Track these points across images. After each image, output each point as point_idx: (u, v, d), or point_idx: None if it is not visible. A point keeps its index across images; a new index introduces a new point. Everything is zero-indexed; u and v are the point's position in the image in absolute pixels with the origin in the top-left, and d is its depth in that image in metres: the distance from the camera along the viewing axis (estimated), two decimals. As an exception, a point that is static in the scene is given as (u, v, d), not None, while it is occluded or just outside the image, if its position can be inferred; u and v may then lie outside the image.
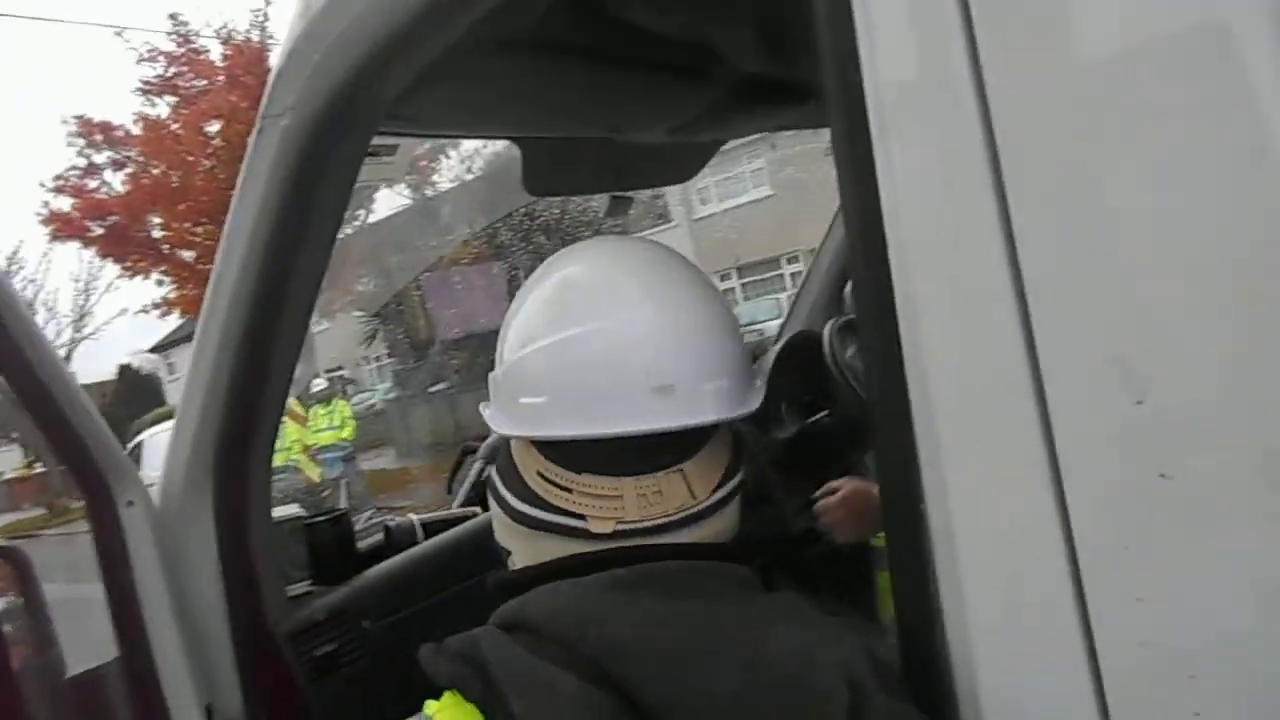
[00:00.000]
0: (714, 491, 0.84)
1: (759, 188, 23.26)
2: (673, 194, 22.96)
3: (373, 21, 1.12)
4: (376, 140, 1.42)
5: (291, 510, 1.76)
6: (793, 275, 23.70)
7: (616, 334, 0.82)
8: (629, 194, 2.33)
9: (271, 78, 1.27)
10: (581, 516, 0.81)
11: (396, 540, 1.88)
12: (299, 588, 1.70)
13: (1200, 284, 0.58)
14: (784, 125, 2.33)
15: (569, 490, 0.82)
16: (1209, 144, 0.56)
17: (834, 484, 2.10)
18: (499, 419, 0.89)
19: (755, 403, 0.88)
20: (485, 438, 2.36)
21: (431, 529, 1.93)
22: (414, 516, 1.93)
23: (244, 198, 1.33)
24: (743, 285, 24.15)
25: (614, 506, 0.81)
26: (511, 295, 0.93)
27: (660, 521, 0.81)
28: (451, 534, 1.92)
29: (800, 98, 1.97)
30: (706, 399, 0.82)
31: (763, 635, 0.73)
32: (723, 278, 24.25)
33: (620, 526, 0.80)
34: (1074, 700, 0.63)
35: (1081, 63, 0.61)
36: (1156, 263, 0.59)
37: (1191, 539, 0.59)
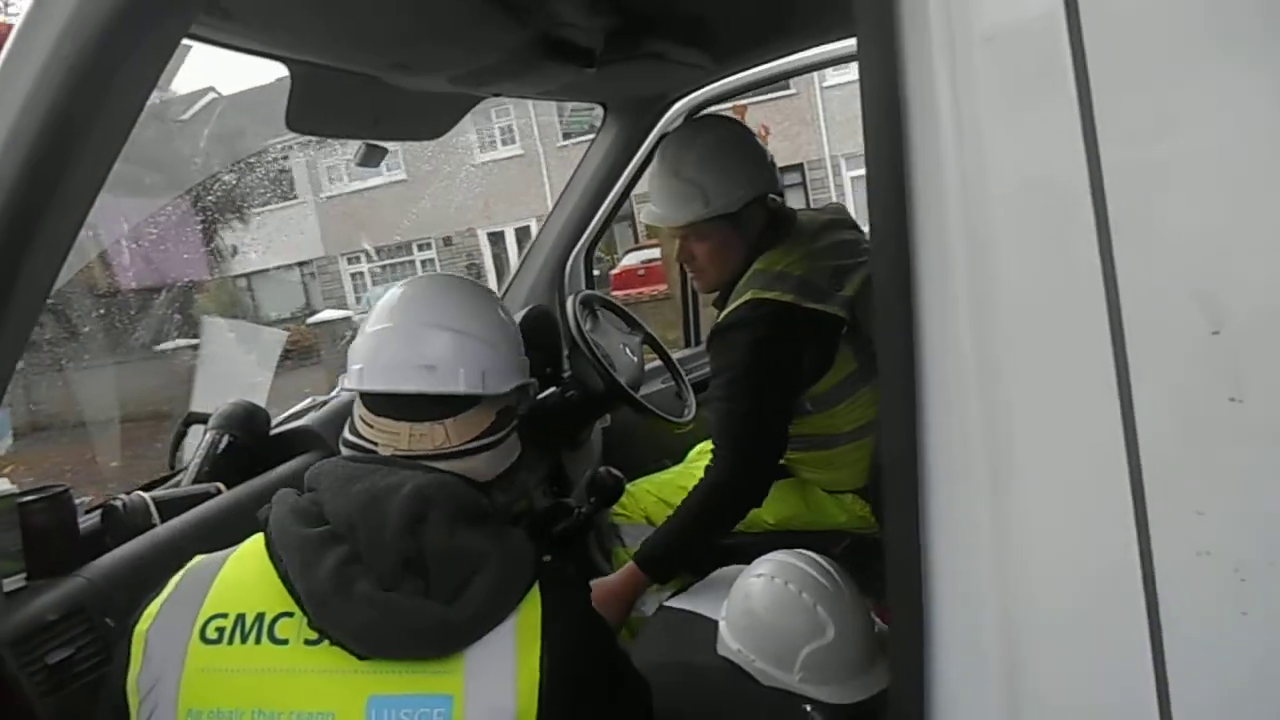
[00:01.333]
0: (466, 441, 1.20)
1: (393, 171, 22.63)
2: (300, 169, 21.72)
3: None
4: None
5: (1, 485, 1.39)
6: (424, 261, 23.41)
7: (403, 331, 1.23)
8: (382, 144, 2.18)
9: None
10: (375, 444, 1.20)
11: (124, 522, 1.57)
12: (13, 582, 1.36)
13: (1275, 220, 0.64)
14: (550, 91, 2.30)
15: (371, 427, 1.21)
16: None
17: None
18: (345, 379, 1.27)
19: (503, 388, 1.24)
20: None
21: (166, 508, 1.64)
22: (145, 495, 1.63)
23: (13, 70, 1.03)
24: (371, 269, 23.35)
25: (394, 439, 1.19)
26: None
27: (423, 452, 1.18)
28: (197, 512, 1.64)
29: (585, 62, 1.96)
30: (460, 378, 1.20)
31: (390, 478, 1.11)
32: (351, 260, 23.33)
33: (396, 453, 1.19)
34: (1130, 607, 0.68)
35: None
36: (1235, 199, 0.65)
37: (1254, 458, 0.66)
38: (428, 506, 1.08)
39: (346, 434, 1.25)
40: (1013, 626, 0.74)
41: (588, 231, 3.07)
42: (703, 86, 2.92)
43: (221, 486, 1.78)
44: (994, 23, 0.71)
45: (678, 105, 2.98)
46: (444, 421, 1.20)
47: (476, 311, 1.28)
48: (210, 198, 16.29)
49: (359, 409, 1.24)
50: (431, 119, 2.24)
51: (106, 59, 1.04)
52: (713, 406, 2.08)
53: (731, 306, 2.06)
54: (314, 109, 1.80)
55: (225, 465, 1.88)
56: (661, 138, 3.01)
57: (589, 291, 2.80)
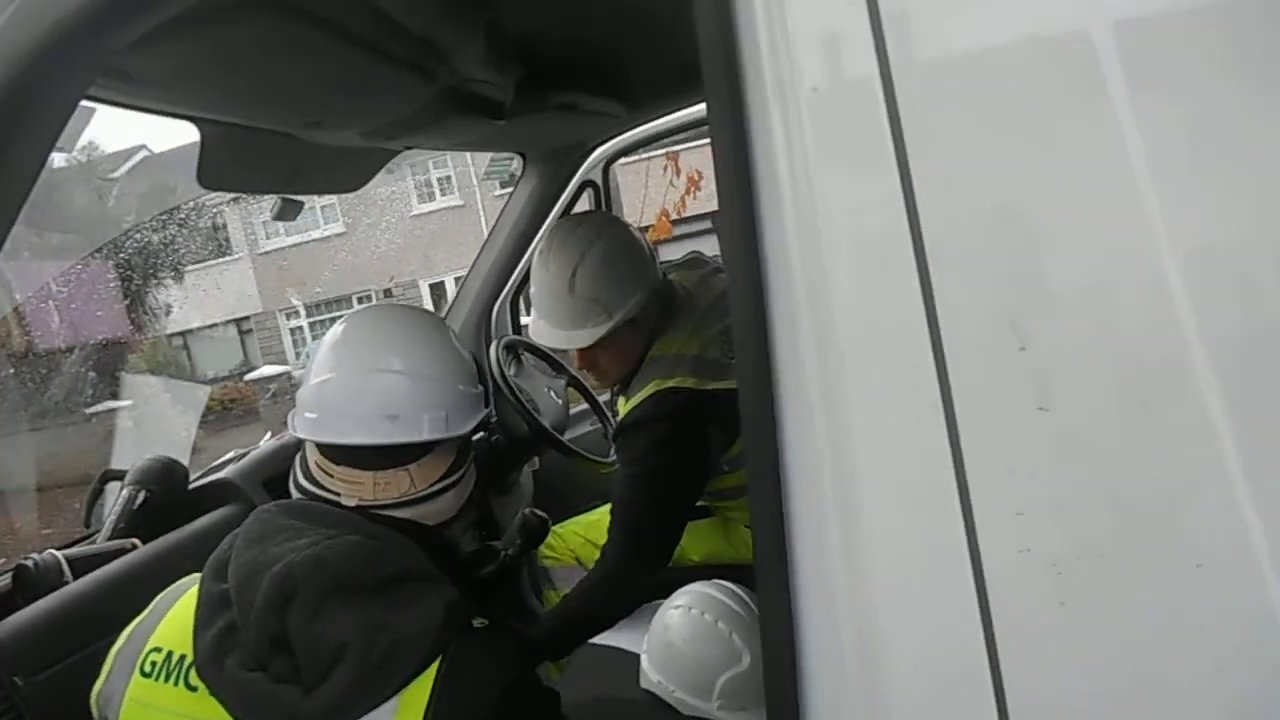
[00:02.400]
0: (431, 485, 1.21)
1: (330, 224, 22.51)
2: (235, 225, 21.50)
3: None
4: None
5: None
6: (364, 315, 23.13)
7: (359, 378, 1.20)
8: (298, 198, 2.21)
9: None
10: (337, 493, 1.19)
11: (36, 579, 1.56)
12: (-84, 645, 1.35)
13: (1071, 252, 0.72)
14: (465, 143, 2.36)
15: (331, 476, 1.20)
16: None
17: None
18: (295, 425, 1.24)
19: (466, 427, 1.24)
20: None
21: (79, 566, 1.63)
22: (57, 552, 1.62)
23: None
24: (310, 324, 23.09)
25: (358, 489, 1.19)
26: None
27: (388, 501, 1.19)
28: (112, 568, 1.64)
29: (495, 115, 2.02)
30: (424, 424, 1.19)
31: (280, 549, 1.09)
32: (290, 315, 23.05)
33: (361, 503, 1.18)
34: (960, 601, 0.74)
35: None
36: (1039, 234, 0.73)
37: (1062, 461, 0.73)
38: (295, 586, 1.05)
39: (300, 479, 1.23)
40: (866, 622, 0.80)
41: (512, 278, 3.12)
42: (622, 133, 3.01)
43: (137, 542, 1.78)
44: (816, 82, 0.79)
45: (597, 152, 3.07)
46: (408, 467, 1.19)
47: (429, 348, 1.26)
48: (142, 256, 16.08)
49: (314, 455, 1.22)
50: (349, 172, 2.28)
51: (2, 123, 1.07)
52: (615, 495, 2.08)
53: (635, 400, 2.06)
54: (226, 165, 1.83)
55: (142, 521, 1.88)
56: (585, 183, 3.10)
57: (513, 337, 2.84)
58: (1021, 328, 0.72)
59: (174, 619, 1.15)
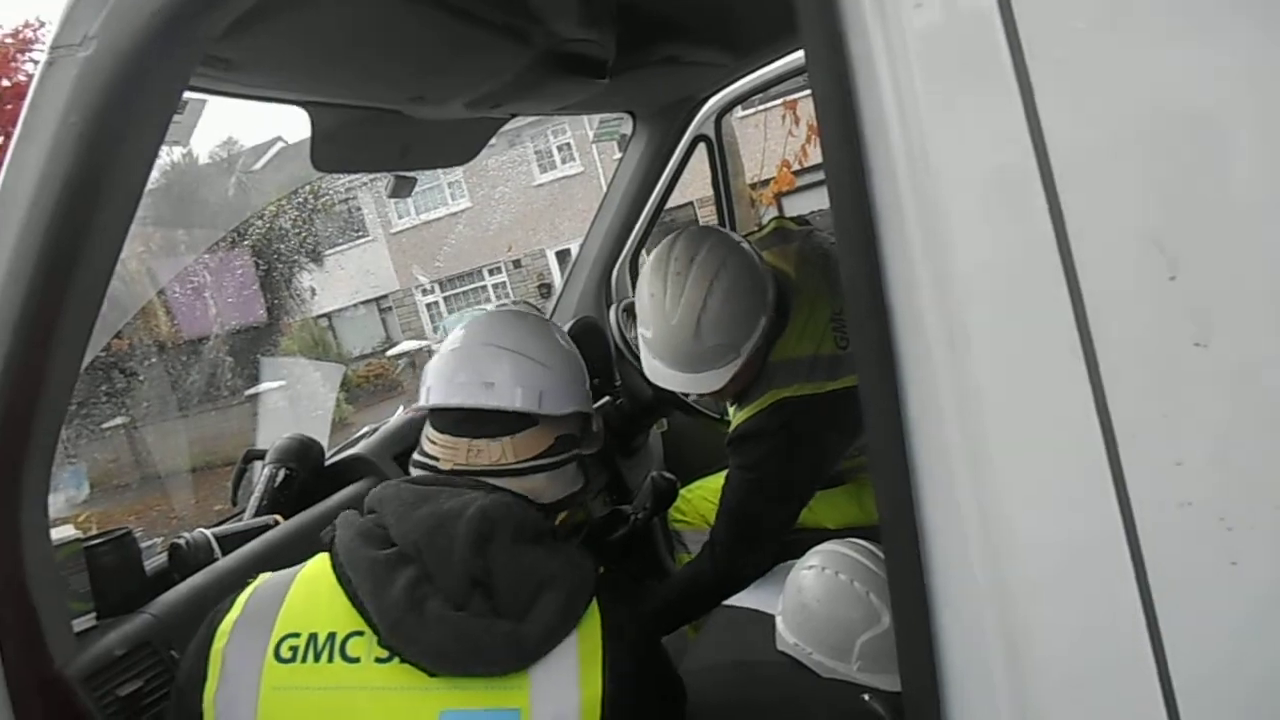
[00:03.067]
0: (523, 460, 1.27)
1: (457, 200, 23.06)
2: (369, 207, 22.29)
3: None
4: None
5: (66, 532, 1.47)
6: (495, 286, 23.74)
7: (467, 352, 1.32)
8: (411, 174, 2.23)
9: (68, -1, 1.06)
10: (436, 459, 1.28)
11: (188, 558, 1.64)
12: (83, 622, 1.43)
13: (1227, 166, 0.62)
14: (571, 105, 2.33)
15: (434, 444, 1.29)
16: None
17: None
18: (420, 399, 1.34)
19: (560, 410, 1.29)
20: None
21: (227, 543, 1.70)
22: (205, 531, 1.70)
23: (28, 143, 1.10)
24: (445, 298, 23.79)
25: (454, 454, 1.26)
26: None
27: (481, 468, 1.25)
28: (256, 544, 1.71)
29: (598, 74, 1.98)
30: (517, 396, 1.26)
31: (455, 501, 1.16)
32: (425, 291, 23.80)
33: (456, 467, 1.26)
34: (1115, 565, 0.66)
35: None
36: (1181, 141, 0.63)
37: (1229, 403, 0.64)
38: (493, 527, 1.13)
39: (415, 454, 1.32)
40: (1008, 599, 0.73)
41: (630, 240, 3.10)
42: (732, 83, 2.92)
43: (279, 518, 1.85)
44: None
45: (708, 105, 2.99)
46: (502, 439, 1.26)
47: (536, 337, 1.34)
48: (285, 244, 16.87)
49: (427, 428, 1.32)
50: (458, 144, 2.28)
51: (112, 122, 1.09)
52: (727, 492, 2.02)
53: (752, 410, 1.99)
54: (337, 148, 1.86)
55: (283, 498, 1.95)
56: (698, 138, 3.03)
57: (632, 299, 2.81)
58: (1169, 252, 0.63)
59: (298, 604, 1.16)
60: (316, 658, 1.11)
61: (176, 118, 1.39)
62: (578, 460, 1.36)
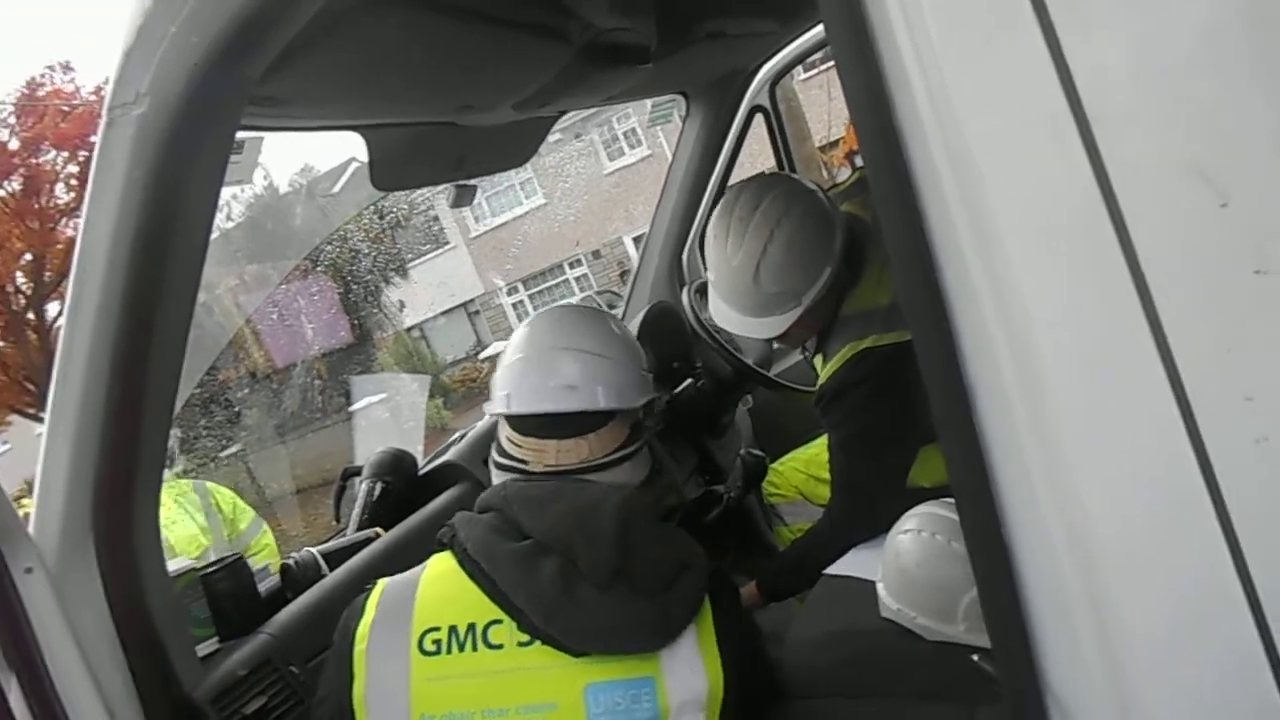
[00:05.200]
0: (609, 454, 1.32)
1: (531, 198, 23.27)
2: (446, 216, 22.66)
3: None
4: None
5: (182, 563, 1.55)
6: (577, 279, 23.91)
7: (541, 357, 1.35)
8: (471, 182, 2.26)
9: (119, 60, 1.11)
10: (525, 461, 1.32)
11: (299, 577, 1.71)
12: (207, 646, 1.51)
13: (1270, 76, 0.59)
14: (620, 94, 2.33)
15: (520, 446, 1.34)
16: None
17: None
18: (492, 404, 1.38)
19: (638, 402, 1.36)
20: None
21: (333, 559, 1.77)
22: (313, 550, 1.77)
23: (99, 203, 1.16)
24: (530, 296, 24.06)
25: (542, 455, 1.31)
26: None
27: (570, 466, 1.31)
28: (360, 558, 1.77)
29: (641, 60, 1.97)
30: (599, 395, 1.31)
31: (587, 494, 1.25)
32: (510, 291, 24.11)
33: (545, 468, 1.31)
34: (1194, 511, 0.64)
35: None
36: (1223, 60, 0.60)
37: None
38: (630, 516, 1.22)
39: (495, 456, 1.38)
40: (1084, 550, 0.71)
41: (696, 220, 3.08)
42: (781, 49, 2.87)
43: (380, 531, 1.91)
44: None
45: (761, 73, 2.95)
46: (586, 437, 1.31)
47: (601, 333, 1.39)
48: (369, 261, 17.30)
49: (505, 431, 1.37)
50: (513, 146, 2.30)
51: (172, 172, 1.15)
52: (832, 456, 2.06)
53: (833, 365, 1.98)
54: (396, 165, 1.90)
55: (382, 510, 2.01)
56: (754, 109, 2.99)
57: (704, 279, 2.80)
58: (1218, 179, 0.60)
59: (431, 601, 1.25)
60: (460, 648, 1.21)
61: (235, 158, 1.45)
62: (647, 444, 1.42)
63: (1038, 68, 0.64)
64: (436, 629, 1.22)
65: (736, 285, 1.97)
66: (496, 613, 1.21)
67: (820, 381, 2.05)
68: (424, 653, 1.21)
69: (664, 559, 1.23)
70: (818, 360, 2.11)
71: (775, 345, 2.78)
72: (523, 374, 1.34)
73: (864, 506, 1.98)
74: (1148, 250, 0.63)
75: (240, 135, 1.44)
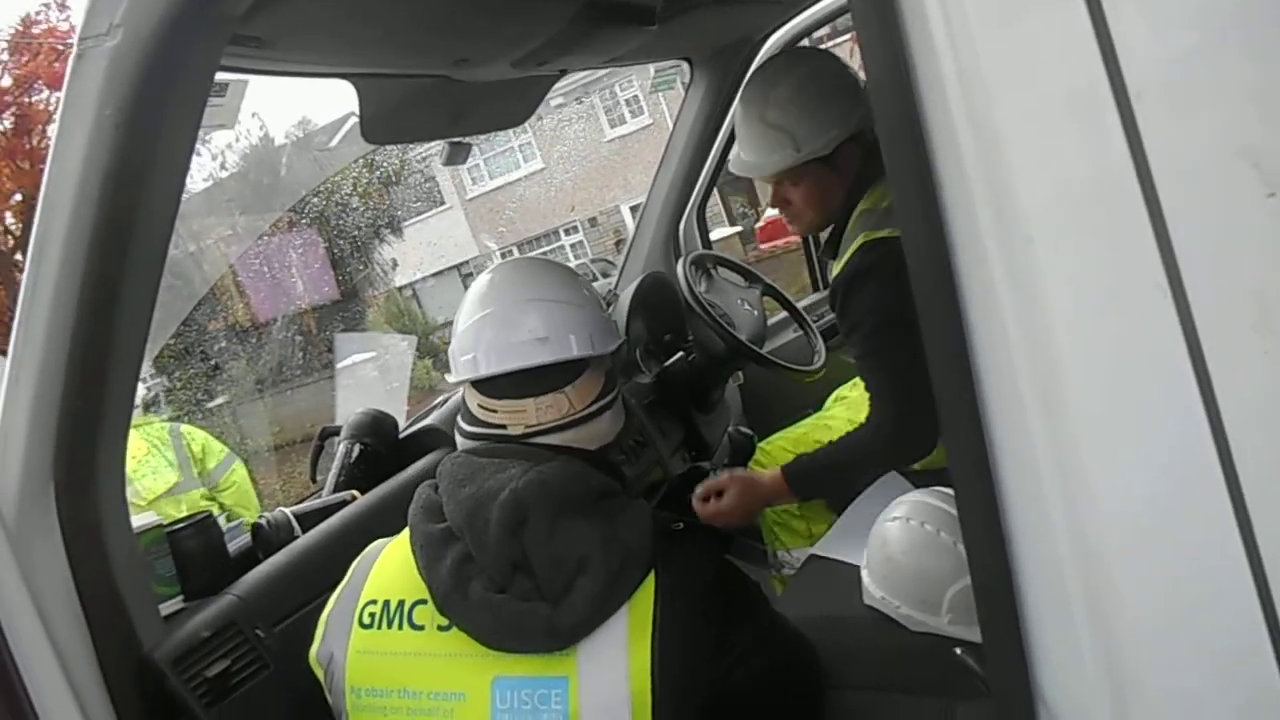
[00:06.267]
0: (589, 406, 1.24)
1: (529, 162, 23.11)
2: (443, 175, 22.49)
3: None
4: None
5: (147, 518, 1.51)
6: (572, 246, 23.80)
7: (504, 312, 1.25)
8: (466, 140, 2.20)
9: (91, -12, 1.05)
10: (503, 425, 1.23)
11: (270, 537, 1.67)
12: (171, 605, 1.47)
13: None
14: (622, 57, 2.26)
15: (495, 411, 1.24)
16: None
17: (715, 484, 2.08)
18: (455, 370, 1.29)
19: (609, 347, 1.28)
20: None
21: (306, 520, 1.73)
22: (286, 510, 1.73)
23: (67, 139, 1.10)
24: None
25: (521, 417, 1.22)
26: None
27: (551, 424, 1.22)
28: (334, 520, 1.72)
29: (645, 21, 1.91)
30: (573, 343, 1.23)
31: (497, 479, 1.14)
32: (504, 255, 24.01)
33: (527, 429, 1.22)
34: (1213, 513, 0.60)
35: None
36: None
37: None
38: (525, 511, 1.10)
39: (464, 425, 1.28)
40: (1086, 543, 0.67)
41: (695, 191, 3.02)
42: (790, 19, 2.80)
43: (356, 494, 1.86)
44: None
45: (769, 44, 2.87)
46: (564, 390, 1.23)
47: (563, 280, 1.31)
48: (364, 217, 17.16)
49: (475, 398, 1.26)
50: (510, 106, 2.24)
51: (146, 110, 1.08)
52: (860, 364, 1.96)
53: (845, 256, 1.93)
54: (387, 118, 1.84)
55: (359, 472, 1.97)
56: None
57: (700, 251, 2.75)
58: (1267, 169, 0.55)
59: (381, 572, 1.23)
60: (389, 624, 1.18)
61: (218, 101, 1.39)
62: (620, 394, 1.34)
63: (1077, 37, 0.59)
64: (375, 602, 1.20)
65: (744, 119, 2.01)
66: (424, 593, 1.16)
67: (832, 280, 2.00)
68: (362, 625, 1.19)
69: (559, 560, 1.10)
70: (832, 266, 2.07)
71: (772, 294, 2.78)
72: (486, 332, 1.25)
73: (906, 402, 1.83)
74: (1184, 240, 0.58)
75: (225, 77, 1.39)
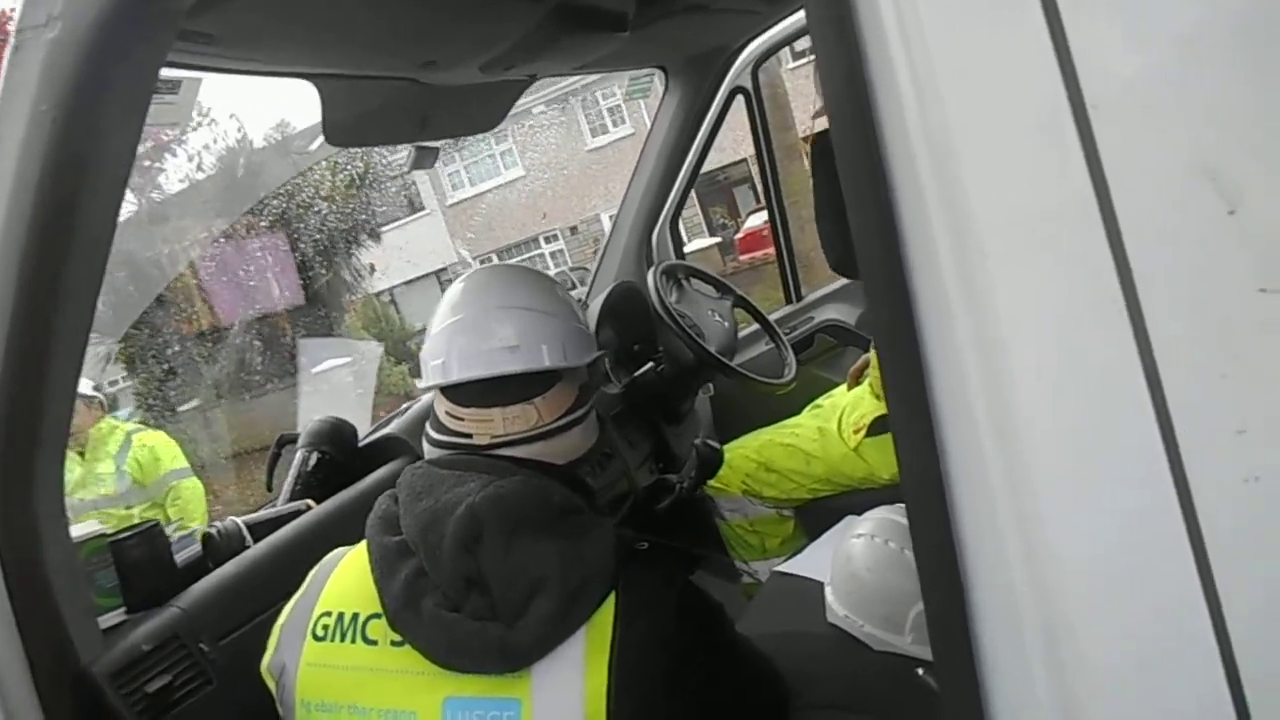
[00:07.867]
0: (558, 419, 1.21)
1: (510, 169, 23.08)
2: (423, 181, 22.42)
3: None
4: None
5: (90, 527, 1.45)
6: (552, 254, 23.77)
7: (476, 319, 1.23)
8: (433, 144, 2.16)
9: (30, -25, 1.01)
10: (469, 435, 1.19)
11: (221, 547, 1.62)
12: (112, 618, 1.42)
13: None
14: (594, 63, 2.23)
15: (461, 420, 1.21)
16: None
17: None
18: (425, 375, 1.25)
19: (583, 359, 1.25)
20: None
21: (258, 530, 1.68)
22: (238, 519, 1.68)
23: (2, 136, 1.06)
24: (504, 269, 23.82)
25: (488, 427, 1.19)
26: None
27: (518, 436, 1.19)
28: (286, 530, 1.68)
29: (617, 27, 1.89)
30: (544, 354, 1.20)
31: (454, 493, 1.10)
32: (483, 262, 23.93)
33: (494, 439, 1.18)
34: (1170, 547, 0.57)
35: None
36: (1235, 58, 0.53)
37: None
38: (480, 527, 1.06)
39: (431, 433, 1.25)
40: (1043, 574, 0.64)
41: (668, 202, 3.00)
42: (767, 29, 2.78)
43: (311, 503, 1.81)
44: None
45: (745, 54, 2.86)
46: (534, 401, 1.20)
47: (539, 289, 1.28)
48: (342, 223, 17.03)
49: (443, 405, 1.23)
50: (480, 111, 2.20)
51: (86, 105, 1.04)
52: None
53: None
54: (351, 120, 1.80)
55: (315, 481, 1.92)
56: (735, 91, 2.90)
57: (671, 261, 2.73)
58: (1226, 185, 0.53)
59: (337, 583, 1.19)
60: (343, 637, 1.14)
61: (170, 98, 1.35)
62: (594, 408, 1.31)
63: (1035, 52, 0.57)
64: (329, 614, 1.16)
65: None
66: (378, 607, 1.12)
67: None
68: (315, 637, 1.15)
69: (514, 580, 1.05)
70: None
71: (743, 306, 2.74)
72: (457, 338, 1.22)
73: None
74: (1141, 257, 0.56)
75: (177, 74, 1.35)
